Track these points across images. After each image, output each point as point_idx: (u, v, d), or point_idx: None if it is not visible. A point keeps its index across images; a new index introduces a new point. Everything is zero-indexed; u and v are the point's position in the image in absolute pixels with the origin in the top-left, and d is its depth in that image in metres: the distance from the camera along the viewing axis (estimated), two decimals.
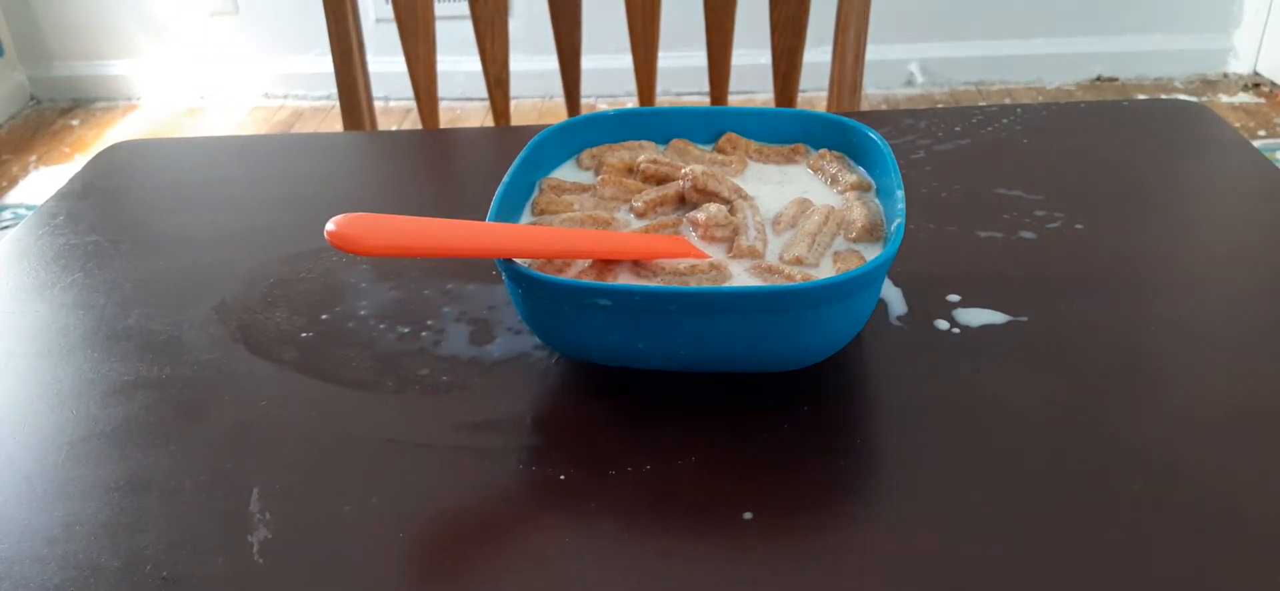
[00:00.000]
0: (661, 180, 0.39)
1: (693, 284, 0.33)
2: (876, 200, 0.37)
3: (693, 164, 0.39)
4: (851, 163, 0.40)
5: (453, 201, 0.49)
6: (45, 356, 0.38)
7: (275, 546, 0.29)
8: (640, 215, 0.37)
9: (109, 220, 0.48)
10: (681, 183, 0.37)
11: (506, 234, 0.34)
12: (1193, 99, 2.35)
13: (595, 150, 0.41)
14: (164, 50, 2.60)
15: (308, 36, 2.24)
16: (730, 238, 0.35)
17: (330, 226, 0.28)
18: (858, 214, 0.36)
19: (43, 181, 2.28)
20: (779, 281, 0.33)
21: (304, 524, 0.30)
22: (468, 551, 0.29)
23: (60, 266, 0.44)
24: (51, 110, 2.69)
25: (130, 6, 2.59)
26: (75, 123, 2.60)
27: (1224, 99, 2.44)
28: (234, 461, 0.33)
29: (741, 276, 0.34)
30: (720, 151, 0.41)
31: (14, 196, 2.20)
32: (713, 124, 0.42)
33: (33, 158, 2.42)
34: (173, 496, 0.31)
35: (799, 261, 0.34)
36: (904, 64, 2.23)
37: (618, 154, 0.41)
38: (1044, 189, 0.46)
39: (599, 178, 0.39)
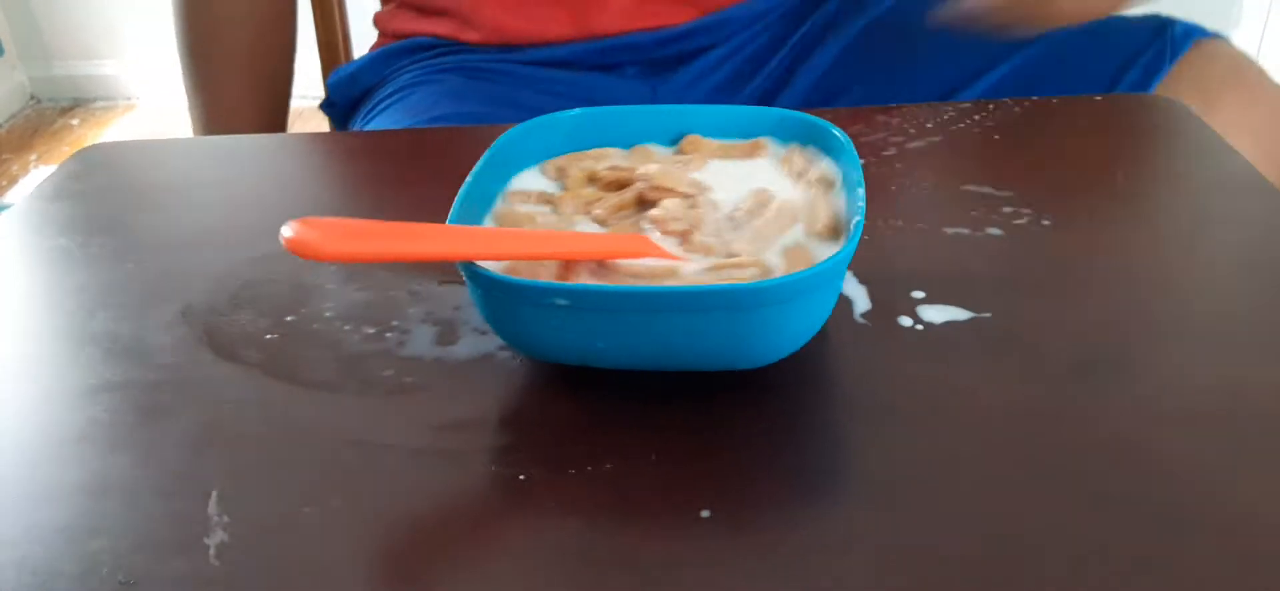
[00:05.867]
0: (622, 186, 0.39)
1: (650, 284, 0.33)
2: (841, 195, 0.37)
3: (649, 165, 0.39)
4: (820, 153, 0.39)
5: (428, 202, 0.49)
6: (11, 361, 0.39)
7: (232, 548, 0.29)
8: (602, 222, 0.37)
9: (79, 224, 0.48)
10: (639, 185, 0.37)
11: (469, 237, 0.34)
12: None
13: (560, 160, 0.41)
14: (163, 50, 2.59)
15: (304, 36, 2.24)
16: (688, 231, 0.35)
17: (286, 231, 0.28)
18: (821, 210, 0.36)
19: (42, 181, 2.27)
20: (723, 278, 0.33)
21: (262, 526, 0.30)
22: (428, 552, 0.30)
23: (30, 271, 0.45)
24: (51, 109, 2.70)
25: (130, 6, 2.59)
26: (75, 122, 2.61)
27: None
28: (194, 464, 0.33)
29: (696, 273, 0.34)
30: (682, 152, 0.41)
31: (13, 196, 2.21)
32: (679, 122, 0.42)
33: (33, 157, 2.42)
34: (132, 500, 0.32)
35: (734, 255, 0.34)
36: None
37: (581, 164, 0.40)
38: (1012, 185, 0.46)
39: (562, 192, 0.39)
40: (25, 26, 2.62)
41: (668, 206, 0.36)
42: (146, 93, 2.66)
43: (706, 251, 0.35)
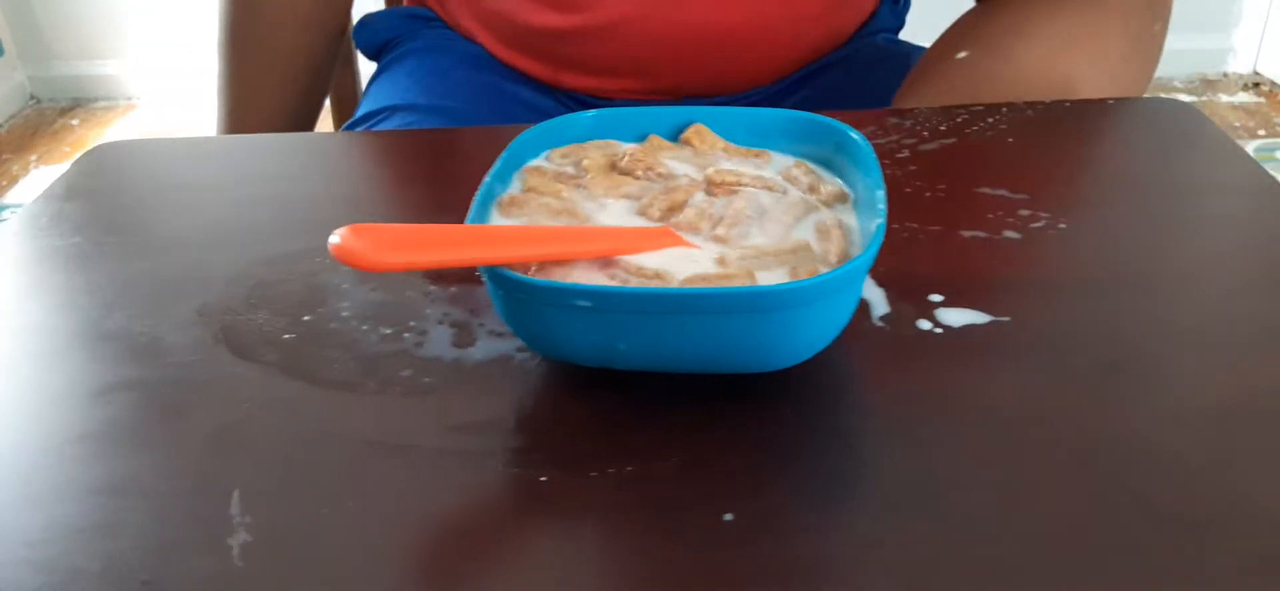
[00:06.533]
0: (649, 170, 0.39)
1: (653, 284, 0.33)
2: (854, 216, 0.37)
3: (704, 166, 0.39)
4: (823, 173, 0.39)
5: (443, 202, 0.49)
6: (27, 359, 0.39)
7: (255, 549, 0.29)
8: (661, 217, 0.37)
9: (92, 222, 0.48)
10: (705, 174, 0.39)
11: (517, 239, 0.34)
12: (1192, 98, 2.35)
13: (566, 149, 0.41)
14: (163, 49, 2.59)
15: None
16: (723, 235, 0.36)
17: (333, 239, 0.28)
18: (835, 241, 0.35)
19: (42, 181, 2.28)
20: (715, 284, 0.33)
21: (284, 526, 0.30)
22: (448, 553, 0.30)
23: (43, 269, 0.45)
24: (51, 110, 2.70)
25: (130, 6, 2.59)
26: (75, 122, 2.61)
27: (1224, 98, 2.43)
28: (215, 464, 0.33)
29: (693, 276, 0.34)
30: (686, 143, 0.41)
31: (14, 196, 2.20)
32: (689, 120, 0.42)
33: (33, 157, 2.42)
34: (153, 499, 0.31)
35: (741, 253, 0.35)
36: None
37: (591, 152, 0.40)
38: (1028, 188, 0.46)
39: (589, 177, 0.39)
40: (25, 26, 2.62)
41: (697, 206, 0.36)
42: (147, 93, 2.66)
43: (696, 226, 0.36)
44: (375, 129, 0.71)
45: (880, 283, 0.39)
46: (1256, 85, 2.45)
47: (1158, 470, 0.31)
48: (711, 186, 0.38)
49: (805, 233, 0.36)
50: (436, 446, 0.33)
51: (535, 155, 0.41)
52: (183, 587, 0.28)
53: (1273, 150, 2.14)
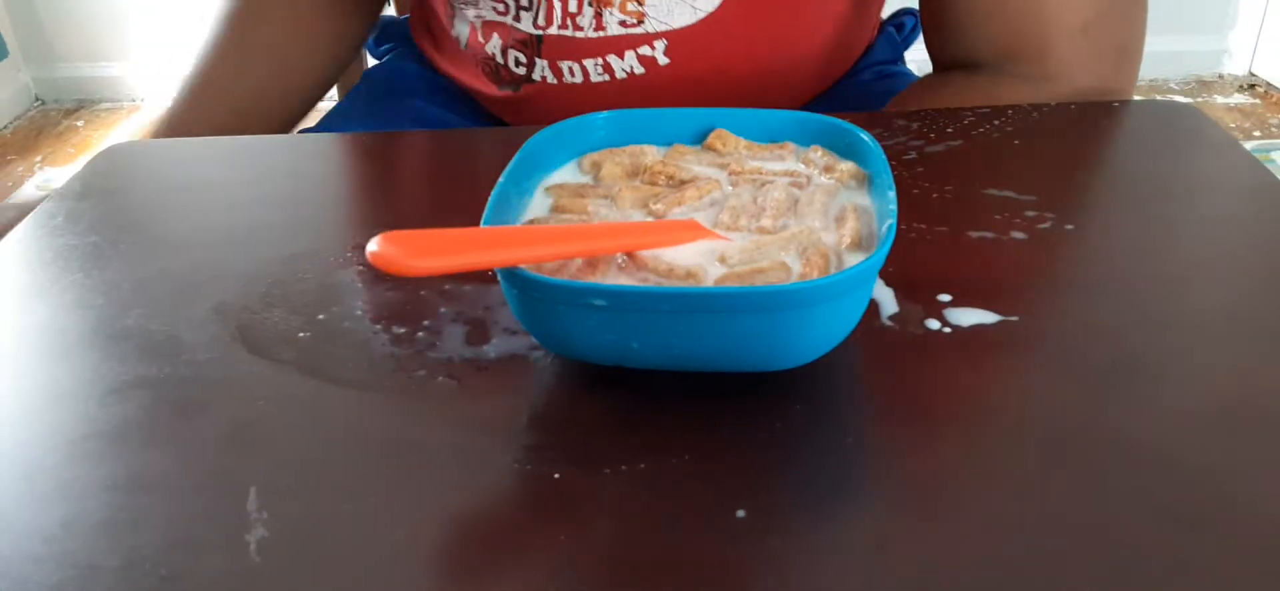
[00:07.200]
0: (670, 179, 0.40)
1: (676, 283, 0.34)
2: (870, 199, 0.37)
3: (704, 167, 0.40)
4: (839, 157, 0.40)
5: (457, 203, 0.50)
6: (44, 356, 0.39)
7: (272, 545, 0.30)
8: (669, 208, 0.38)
9: (108, 221, 0.49)
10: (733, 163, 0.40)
11: (549, 239, 0.34)
12: (1187, 100, 2.35)
13: (596, 156, 0.41)
14: (168, 51, 2.60)
15: None
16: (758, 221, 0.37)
17: (372, 246, 0.28)
18: (850, 224, 0.36)
19: (47, 182, 2.28)
20: (744, 281, 0.34)
21: (301, 523, 0.31)
22: (463, 550, 0.30)
23: (59, 266, 0.45)
24: (56, 111, 2.70)
25: (134, 7, 2.60)
26: (80, 124, 2.61)
27: (1219, 100, 2.43)
28: (232, 461, 0.33)
29: (723, 272, 0.34)
30: (709, 148, 0.41)
31: (19, 197, 2.20)
32: (704, 124, 0.42)
33: (38, 158, 2.43)
34: (171, 495, 0.32)
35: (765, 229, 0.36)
36: None
37: (617, 159, 0.41)
38: (1035, 190, 0.46)
39: (617, 189, 0.39)
40: (29, 28, 2.63)
41: (734, 207, 0.37)
42: (152, 94, 2.67)
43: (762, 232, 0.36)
44: None
45: (889, 283, 0.40)
46: (1252, 87, 2.45)
47: (1166, 470, 0.31)
48: (733, 175, 0.39)
49: (824, 220, 0.37)
50: (451, 443, 0.33)
51: (549, 154, 0.41)
52: (201, 583, 0.29)
53: (1268, 151, 2.14)
